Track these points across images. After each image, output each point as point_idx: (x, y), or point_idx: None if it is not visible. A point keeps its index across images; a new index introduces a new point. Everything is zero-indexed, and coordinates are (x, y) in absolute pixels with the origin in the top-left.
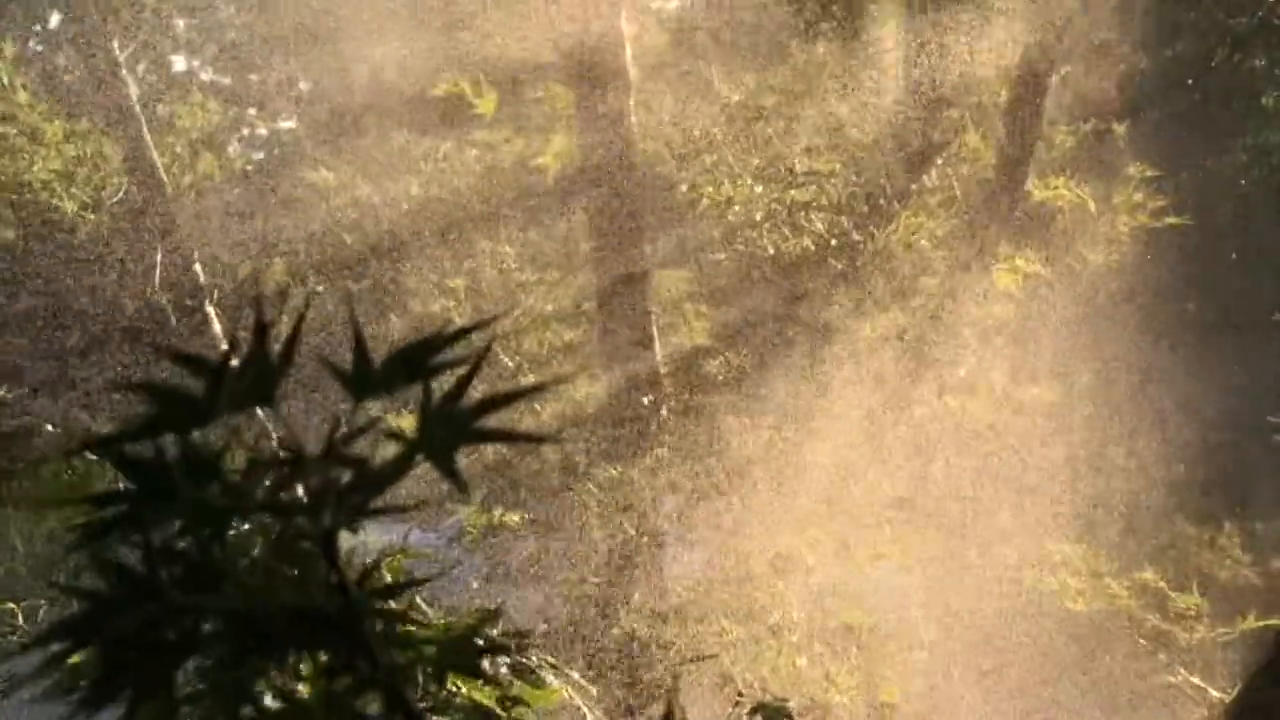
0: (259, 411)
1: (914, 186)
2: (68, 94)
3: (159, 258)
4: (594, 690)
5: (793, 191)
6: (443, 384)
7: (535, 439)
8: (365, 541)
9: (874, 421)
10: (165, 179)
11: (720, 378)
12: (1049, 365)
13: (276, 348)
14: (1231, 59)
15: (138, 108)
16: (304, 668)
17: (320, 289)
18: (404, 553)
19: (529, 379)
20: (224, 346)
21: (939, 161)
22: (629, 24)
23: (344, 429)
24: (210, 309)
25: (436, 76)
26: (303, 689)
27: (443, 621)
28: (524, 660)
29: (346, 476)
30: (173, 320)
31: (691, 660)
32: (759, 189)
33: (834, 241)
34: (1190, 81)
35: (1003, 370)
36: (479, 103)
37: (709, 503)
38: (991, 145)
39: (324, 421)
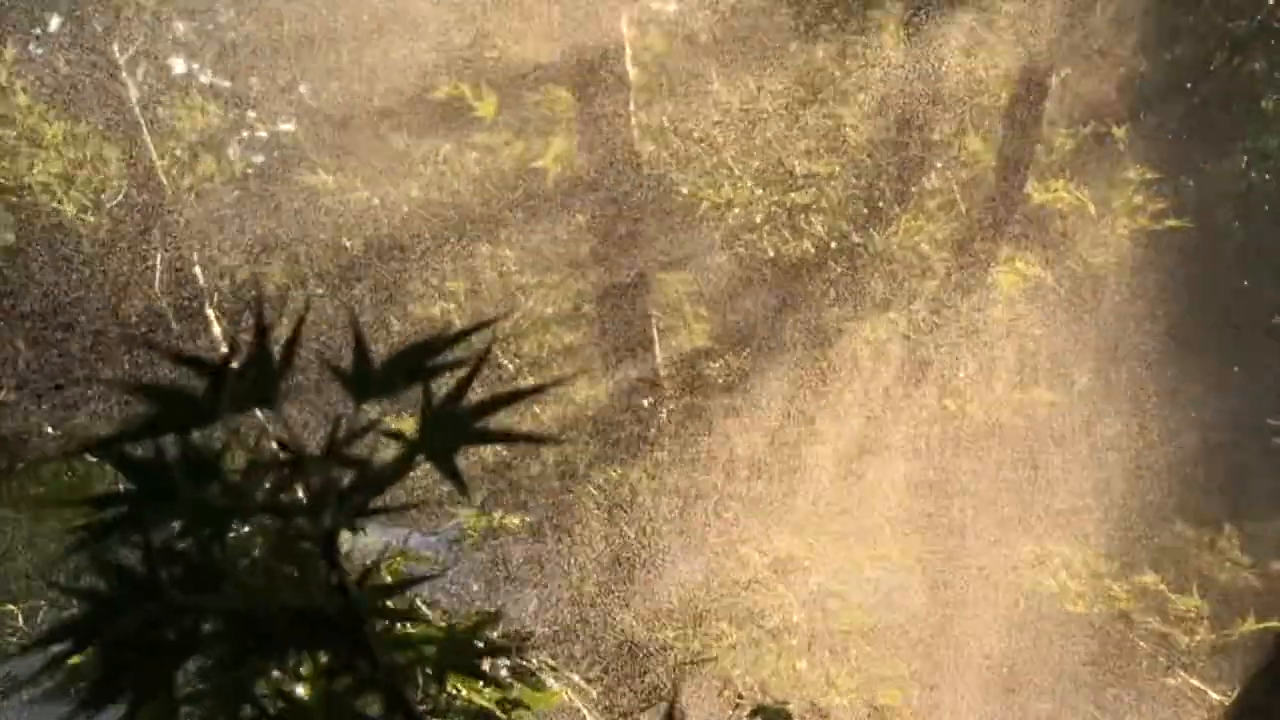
0: (259, 413)
1: (914, 189)
2: (67, 97)
3: (159, 260)
4: (594, 693)
5: (793, 194)
6: (443, 386)
7: (535, 440)
8: (365, 544)
9: (874, 424)
10: (165, 181)
11: (720, 380)
12: (1049, 367)
13: (277, 349)
14: (1231, 62)
15: (137, 110)
16: (304, 668)
17: (320, 292)
18: (404, 555)
19: (529, 381)
20: (224, 348)
21: (939, 164)
22: (629, 27)
23: (344, 430)
24: (210, 311)
25: (437, 79)
26: (303, 690)
27: (443, 624)
28: (524, 663)
29: (347, 477)
30: (172, 323)
31: (691, 663)
32: (759, 192)
33: (834, 244)
34: (1190, 85)
35: (1002, 372)
36: (479, 105)
37: (709, 505)
38: (991, 148)
39: (324, 423)
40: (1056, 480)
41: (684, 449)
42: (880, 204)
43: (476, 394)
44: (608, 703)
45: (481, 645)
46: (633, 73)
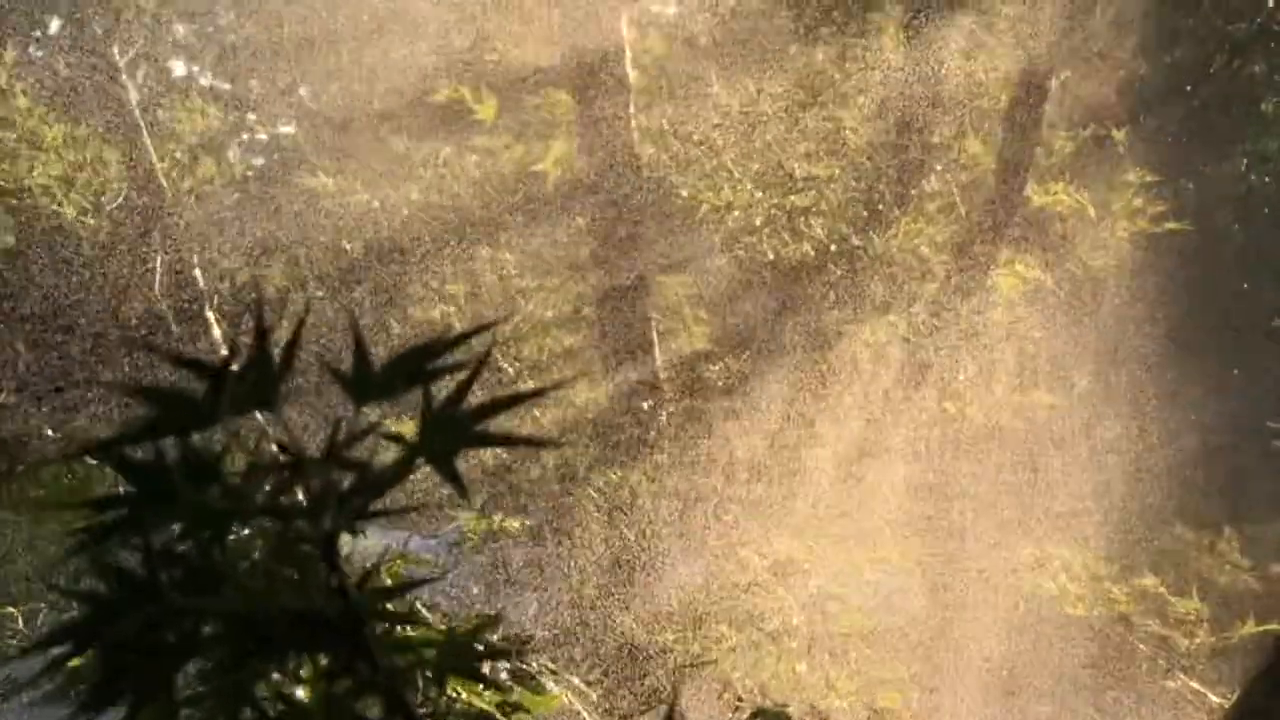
0: (259, 415)
1: (913, 192)
2: (67, 99)
3: (159, 263)
4: (594, 696)
5: (792, 197)
6: (443, 389)
7: (535, 443)
8: (365, 547)
9: (874, 426)
10: (165, 184)
11: (720, 383)
12: (1048, 370)
13: (277, 352)
14: (1230, 65)
15: (137, 113)
16: (304, 671)
17: (320, 294)
18: (404, 558)
19: (529, 385)
20: (224, 351)
21: (938, 167)
22: (629, 30)
23: (344, 433)
24: (210, 314)
25: (437, 82)
26: (303, 692)
27: (443, 627)
28: (524, 666)
29: (347, 480)
30: (172, 325)
31: (691, 665)
32: (759, 194)
33: (833, 247)
34: (1189, 88)
35: (1002, 375)
36: (479, 108)
37: (709, 508)
38: (991, 151)
39: (324, 426)
40: (1056, 483)
41: (684, 452)
42: (880, 207)
43: (476, 397)
44: (608, 706)
45: (481, 648)
46: (633, 76)
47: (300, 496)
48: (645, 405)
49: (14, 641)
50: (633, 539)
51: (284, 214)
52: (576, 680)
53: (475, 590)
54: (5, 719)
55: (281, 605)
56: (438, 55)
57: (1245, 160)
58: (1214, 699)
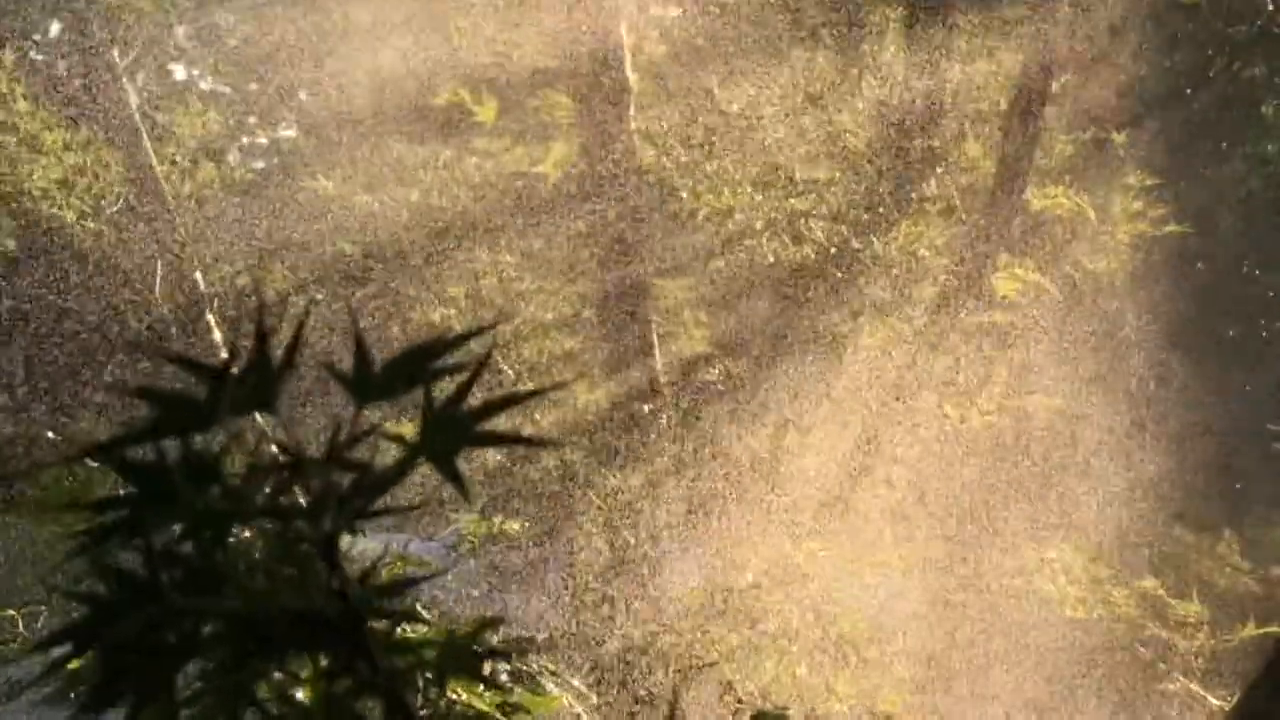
0: (260, 417)
1: (913, 195)
2: (68, 103)
3: (159, 266)
4: (594, 698)
5: (793, 200)
6: (443, 390)
7: (536, 444)
8: (365, 549)
9: (874, 430)
10: (165, 188)
11: (720, 386)
12: (1049, 373)
13: (277, 354)
14: (1230, 68)
15: (138, 116)
16: (304, 671)
17: (320, 297)
18: (403, 560)
19: (529, 387)
20: (224, 353)
21: (938, 170)
22: (629, 33)
23: (345, 434)
24: (210, 317)
25: (437, 85)
26: (303, 692)
27: (443, 628)
28: (524, 667)
29: (347, 481)
30: (173, 328)
31: (692, 668)
32: (759, 197)
33: (834, 250)
34: (1189, 90)
35: (1002, 378)
36: (479, 111)
37: (709, 510)
38: (991, 154)
39: (325, 427)
40: (1056, 486)
41: (684, 454)
42: (880, 210)
43: (476, 399)
44: (608, 707)
45: (482, 649)
46: (633, 79)
47: (300, 497)
48: (645, 408)
49: (14, 644)
50: (633, 541)
51: (284, 217)
52: (576, 682)
53: (475, 592)
54: None
55: (282, 606)
56: (438, 58)
57: (1245, 163)
58: (1214, 701)
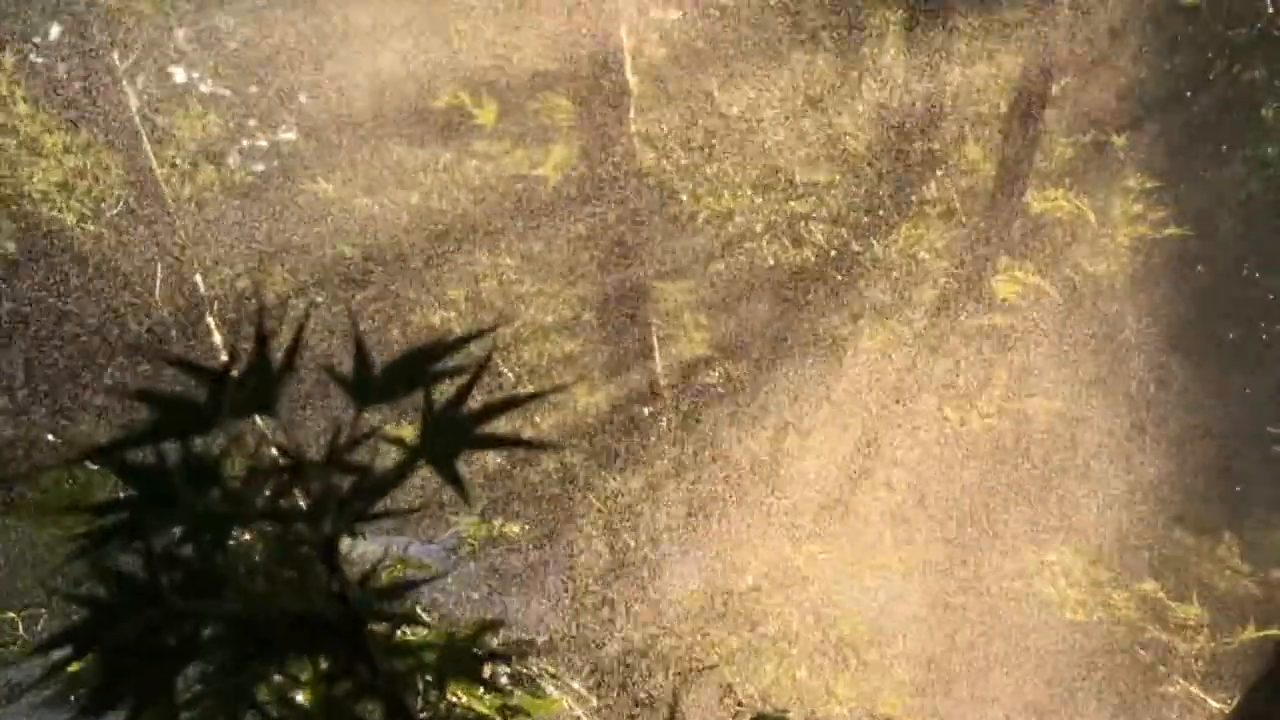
0: (260, 419)
1: (913, 198)
2: (68, 105)
3: (159, 269)
4: (594, 701)
5: (792, 203)
6: (443, 392)
7: (536, 446)
8: (365, 553)
9: (874, 432)
10: (165, 190)
11: (720, 389)
12: (1049, 376)
13: (277, 356)
14: (1230, 70)
15: (137, 119)
16: (304, 674)
17: (320, 300)
18: (403, 563)
19: (529, 390)
20: (224, 356)
21: (939, 173)
22: (629, 35)
23: (345, 436)
24: (210, 320)
25: (437, 88)
26: (303, 695)
27: (443, 631)
28: (525, 670)
29: (347, 483)
30: (173, 331)
31: (692, 671)
32: (759, 200)
33: (834, 253)
34: (1189, 93)
35: (1002, 381)
36: (479, 114)
37: (709, 513)
38: (991, 156)
39: (325, 429)
40: (1056, 488)
41: (684, 457)
42: (880, 212)
43: (476, 401)
44: (608, 710)
45: (482, 652)
46: (633, 81)
47: (301, 500)
48: (645, 411)
49: (14, 647)
50: (633, 544)
51: (284, 220)
52: (577, 685)
53: (475, 595)
54: None
55: (282, 608)
56: (437, 60)
57: (1245, 166)
58: (1214, 704)
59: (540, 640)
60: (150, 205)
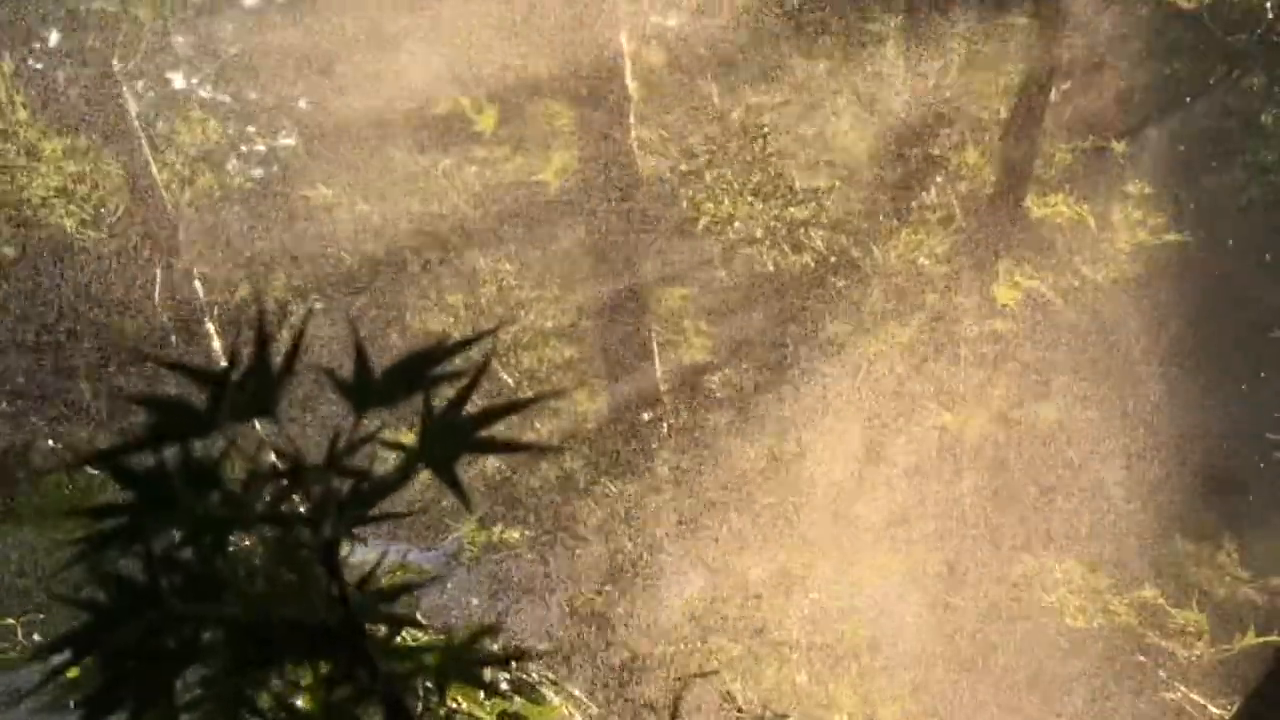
0: (259, 423)
1: (913, 203)
2: (67, 111)
3: (158, 274)
4: (594, 707)
5: (792, 208)
6: (443, 397)
7: (536, 451)
8: (365, 558)
9: (874, 438)
10: (165, 196)
11: (720, 394)
12: (1049, 381)
13: (276, 360)
14: (1230, 76)
15: (137, 125)
16: (304, 678)
17: (320, 305)
18: (403, 568)
19: (529, 395)
20: (224, 360)
21: (938, 178)
22: (629, 41)
23: (344, 440)
24: (210, 324)
25: (436, 94)
26: (303, 699)
27: (442, 635)
28: (525, 676)
29: (347, 487)
30: (172, 335)
31: (692, 677)
32: (759, 206)
33: (833, 258)
34: (1189, 99)
35: (1002, 387)
36: (479, 120)
37: (709, 519)
38: (991, 162)
39: (325, 434)
40: (1056, 494)
41: (683, 462)
42: (880, 218)
43: (476, 406)
44: (608, 716)
45: (482, 657)
46: (632, 87)
47: (300, 504)
48: (645, 416)
49: (14, 651)
50: (632, 549)
51: (284, 225)
52: (576, 691)
53: (475, 601)
54: None
55: (282, 612)
56: (437, 66)
57: (1245, 172)
58: (1214, 710)
59: (540, 646)
60: (150, 211)
